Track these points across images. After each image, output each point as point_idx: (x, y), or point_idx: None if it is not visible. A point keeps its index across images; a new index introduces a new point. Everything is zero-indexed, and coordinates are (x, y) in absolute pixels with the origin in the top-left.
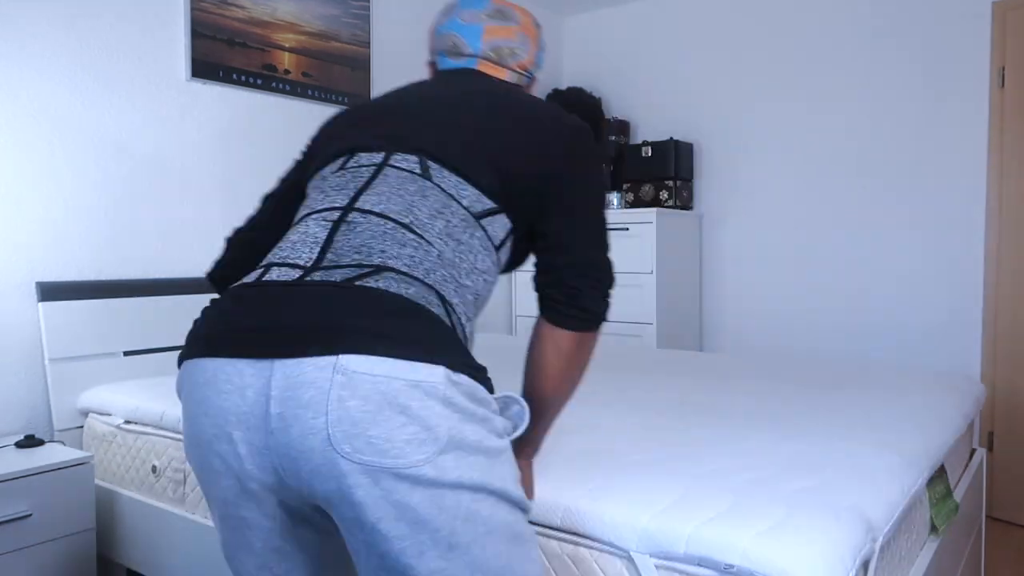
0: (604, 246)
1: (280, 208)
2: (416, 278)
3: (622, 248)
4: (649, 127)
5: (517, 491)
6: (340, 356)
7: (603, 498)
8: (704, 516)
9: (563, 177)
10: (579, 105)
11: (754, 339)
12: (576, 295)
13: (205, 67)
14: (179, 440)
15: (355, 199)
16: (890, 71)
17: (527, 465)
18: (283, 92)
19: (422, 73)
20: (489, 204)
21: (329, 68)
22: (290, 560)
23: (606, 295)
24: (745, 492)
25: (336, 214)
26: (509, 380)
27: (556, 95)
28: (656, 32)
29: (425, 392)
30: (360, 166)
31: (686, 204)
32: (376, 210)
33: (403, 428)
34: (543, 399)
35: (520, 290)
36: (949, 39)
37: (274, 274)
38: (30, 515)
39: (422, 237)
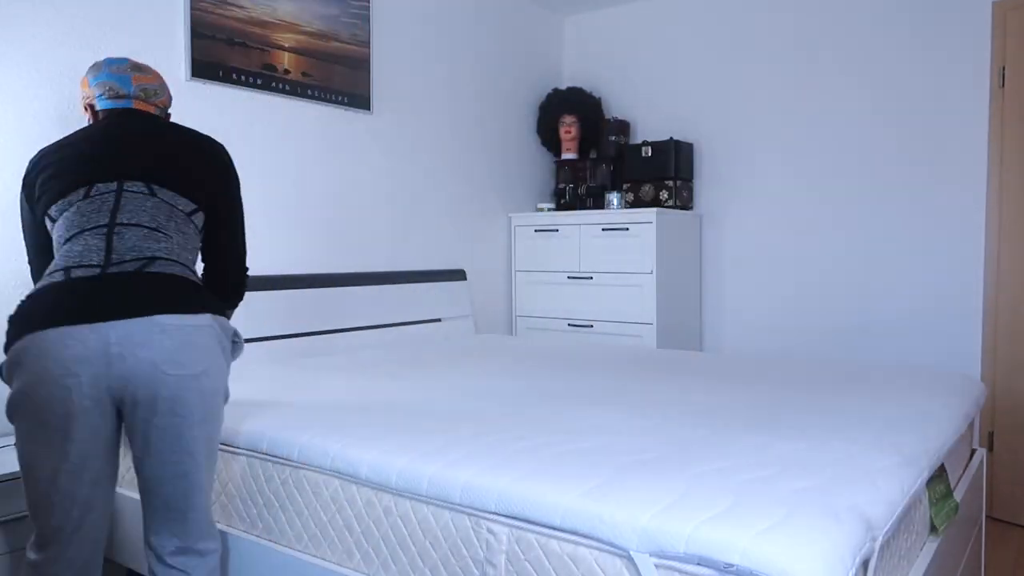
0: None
1: (43, 243)
2: (175, 261)
3: (622, 248)
4: (649, 127)
5: (228, 388)
6: (154, 316)
7: (603, 498)
8: (704, 515)
9: (227, 193)
10: (579, 105)
11: (754, 339)
12: (238, 286)
13: (205, 67)
14: None
15: (114, 217)
16: (890, 71)
17: None
18: (283, 92)
19: (422, 73)
20: (192, 206)
21: (329, 68)
22: (99, 456)
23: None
24: (745, 492)
25: (105, 228)
26: (510, 377)
27: (556, 95)
28: (656, 32)
29: (204, 332)
30: (102, 193)
31: (686, 204)
32: (132, 222)
33: (195, 352)
34: None
35: (520, 290)
36: (949, 39)
37: (78, 273)
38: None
39: (166, 234)
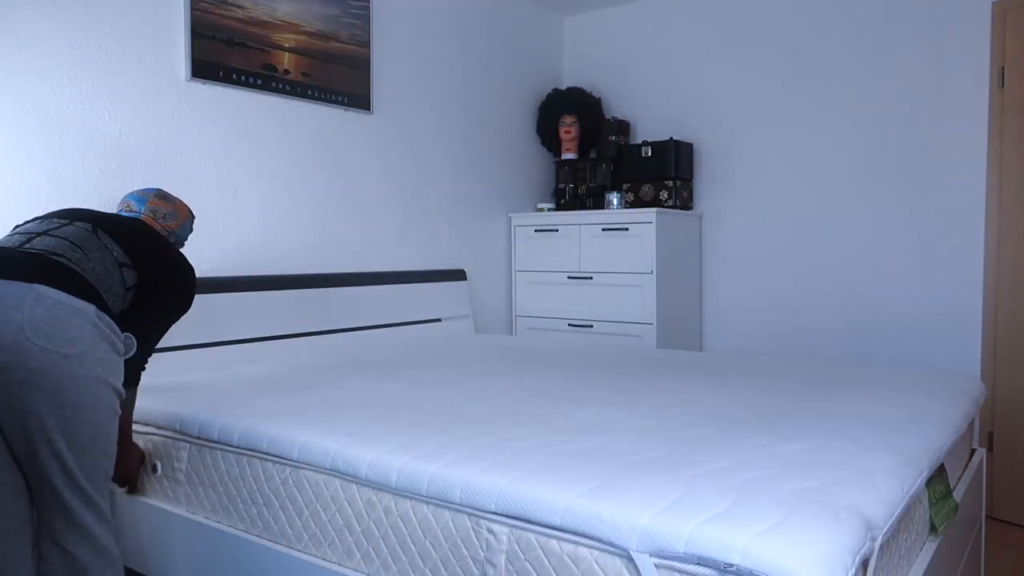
0: (152, 344)
1: None
2: (80, 269)
3: (622, 248)
4: (649, 127)
5: (119, 386)
6: (35, 284)
7: (603, 498)
8: (704, 515)
9: (160, 290)
10: (579, 105)
11: (754, 339)
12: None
13: (205, 67)
14: (180, 440)
15: (47, 230)
16: (890, 71)
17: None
18: (283, 92)
19: (422, 73)
20: (127, 259)
21: (329, 68)
22: None
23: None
24: (745, 492)
25: (34, 234)
26: (510, 377)
27: (556, 95)
28: (656, 32)
29: (83, 316)
30: (51, 220)
31: (686, 204)
32: (61, 236)
33: (67, 331)
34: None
35: (519, 290)
36: (949, 39)
37: None
38: None
39: (86, 255)
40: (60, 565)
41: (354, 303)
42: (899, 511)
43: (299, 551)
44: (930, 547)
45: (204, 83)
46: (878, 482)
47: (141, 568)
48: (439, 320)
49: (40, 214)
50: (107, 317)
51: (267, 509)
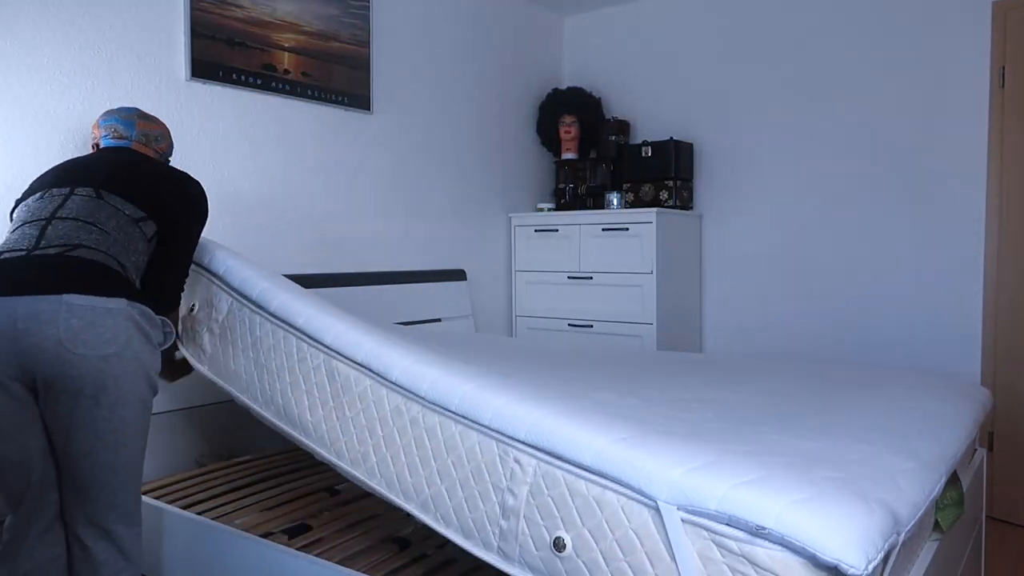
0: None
1: None
2: (101, 251)
3: (622, 248)
4: (649, 127)
5: (156, 378)
6: (63, 295)
7: (637, 447)
8: (738, 479)
9: (184, 221)
10: (579, 105)
11: (754, 339)
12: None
13: (205, 67)
14: (223, 290)
15: (55, 212)
16: (890, 71)
17: (171, 359)
18: (283, 92)
19: (422, 73)
20: (141, 214)
21: (329, 68)
22: (22, 429)
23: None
24: (775, 468)
25: (44, 221)
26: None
27: (556, 95)
28: (656, 32)
29: (116, 314)
30: (53, 195)
31: (686, 204)
32: (70, 216)
33: (104, 332)
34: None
35: (519, 290)
36: (949, 39)
37: (5, 256)
38: None
39: (101, 228)
40: (80, 556)
41: (354, 303)
42: (920, 513)
43: (303, 552)
44: (930, 547)
45: (204, 83)
46: (901, 483)
47: (141, 567)
48: (439, 320)
49: (34, 179)
50: (139, 306)
51: (291, 389)
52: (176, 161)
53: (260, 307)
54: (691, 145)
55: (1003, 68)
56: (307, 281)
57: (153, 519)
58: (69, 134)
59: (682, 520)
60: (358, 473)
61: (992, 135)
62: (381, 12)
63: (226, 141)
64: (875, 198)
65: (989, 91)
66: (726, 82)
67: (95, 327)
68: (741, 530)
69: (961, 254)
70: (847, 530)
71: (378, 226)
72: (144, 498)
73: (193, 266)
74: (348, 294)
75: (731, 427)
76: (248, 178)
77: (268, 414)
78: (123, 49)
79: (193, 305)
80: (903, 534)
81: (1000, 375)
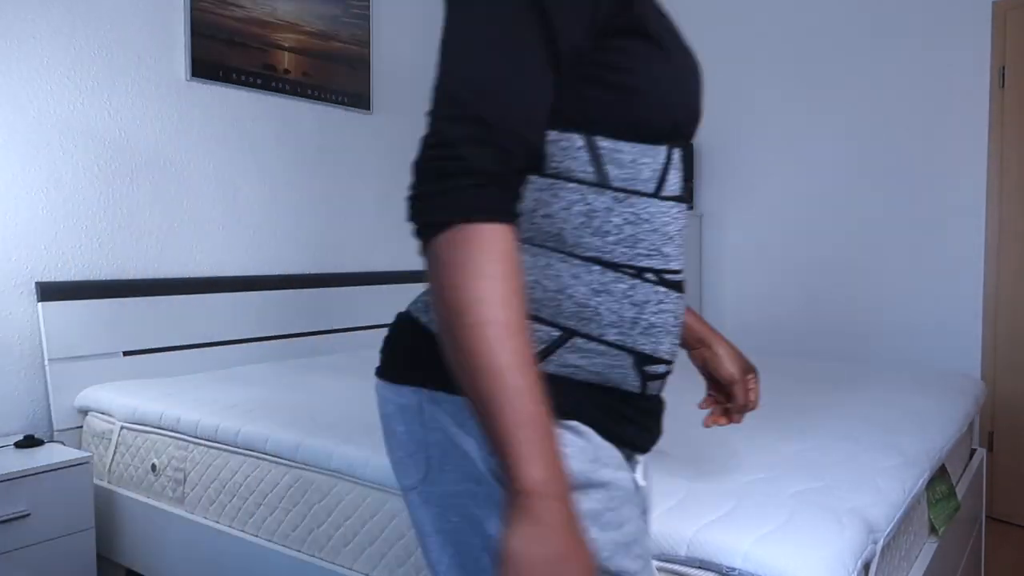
0: (449, 60)
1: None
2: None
3: None
4: None
5: (494, 527)
6: (377, 380)
7: None
8: (705, 519)
9: None
10: None
11: (754, 339)
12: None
13: (205, 67)
14: (179, 439)
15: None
16: (890, 71)
17: (515, 503)
18: (283, 92)
19: (422, 73)
20: None
21: (329, 68)
22: None
23: (424, 160)
24: (746, 495)
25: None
26: None
27: None
28: None
29: (407, 415)
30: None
31: (686, 204)
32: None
33: (394, 452)
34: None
35: None
36: (949, 39)
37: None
38: (29, 514)
39: None
40: None
41: (354, 303)
42: (900, 513)
43: (303, 553)
44: (930, 547)
45: (204, 83)
46: (880, 484)
47: (140, 568)
48: None
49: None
50: (446, 395)
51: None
52: (176, 161)
53: (224, 445)
54: (691, 145)
55: (1003, 68)
56: (308, 281)
57: (152, 519)
58: (69, 134)
59: (657, 570)
60: (348, 571)
61: (992, 135)
62: (381, 12)
63: (226, 141)
64: (875, 197)
65: (989, 91)
66: (727, 82)
67: (389, 440)
68: (713, 572)
69: (961, 253)
70: (816, 557)
71: (378, 226)
72: (143, 498)
73: (143, 427)
74: (348, 294)
75: (714, 434)
76: (248, 178)
77: (264, 535)
78: (123, 49)
79: (153, 465)
80: (881, 540)
81: (1000, 375)
